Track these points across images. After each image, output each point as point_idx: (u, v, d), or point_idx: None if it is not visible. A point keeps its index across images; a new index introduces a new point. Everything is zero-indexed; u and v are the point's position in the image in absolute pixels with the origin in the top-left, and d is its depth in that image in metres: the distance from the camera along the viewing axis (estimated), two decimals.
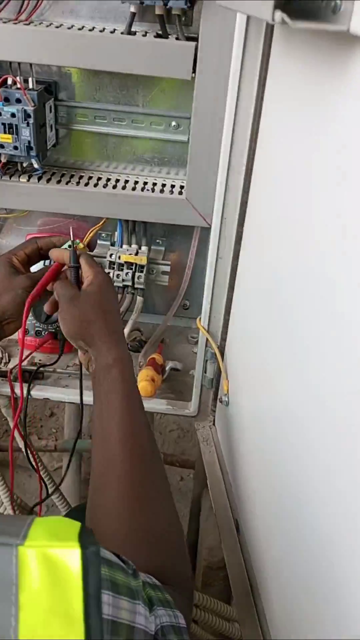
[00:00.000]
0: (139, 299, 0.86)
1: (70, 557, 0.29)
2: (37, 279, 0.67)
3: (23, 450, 0.85)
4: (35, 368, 0.85)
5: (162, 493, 0.54)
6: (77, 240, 0.71)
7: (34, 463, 0.86)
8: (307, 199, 0.47)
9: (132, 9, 0.69)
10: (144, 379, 0.81)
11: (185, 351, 0.94)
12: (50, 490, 0.95)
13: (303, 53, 0.47)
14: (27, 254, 0.69)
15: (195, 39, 0.70)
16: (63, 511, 1.04)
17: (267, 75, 0.57)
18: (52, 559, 0.28)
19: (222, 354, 0.76)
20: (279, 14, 0.34)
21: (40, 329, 0.88)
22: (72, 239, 0.69)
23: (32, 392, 0.84)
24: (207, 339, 0.76)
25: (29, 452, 0.85)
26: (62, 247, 0.70)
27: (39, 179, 0.80)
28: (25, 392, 0.82)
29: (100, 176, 0.83)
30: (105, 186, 0.81)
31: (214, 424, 0.83)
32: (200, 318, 0.76)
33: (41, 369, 0.86)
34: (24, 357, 0.89)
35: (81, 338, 0.59)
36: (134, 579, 0.35)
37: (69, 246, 0.69)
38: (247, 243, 0.66)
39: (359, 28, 0.34)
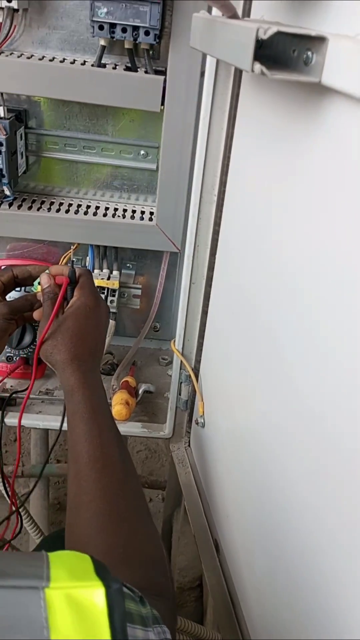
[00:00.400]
0: (112, 322, 0.87)
1: (96, 596, 0.30)
2: (14, 307, 0.67)
3: None
4: (8, 395, 0.84)
5: (138, 508, 0.55)
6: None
7: (9, 491, 0.85)
8: (277, 229, 0.50)
9: (102, 42, 0.71)
10: (118, 403, 0.82)
11: (156, 373, 0.95)
12: (23, 518, 0.94)
13: (272, 95, 0.50)
14: (3, 282, 0.69)
15: (163, 72, 0.73)
16: (35, 538, 1.02)
17: (237, 113, 0.59)
18: (79, 599, 0.30)
19: (197, 376, 0.78)
20: (257, 66, 0.37)
21: (12, 355, 0.87)
22: (71, 258, 0.70)
23: (5, 420, 0.83)
24: (181, 362, 0.77)
25: (4, 480, 0.84)
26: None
27: (10, 205, 0.81)
28: None
29: (70, 202, 0.84)
30: (76, 212, 0.82)
31: (189, 445, 0.84)
32: (174, 341, 0.78)
33: (14, 395, 0.85)
34: None
35: (46, 360, 0.60)
36: (143, 606, 0.36)
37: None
38: (220, 269, 0.69)
39: (330, 79, 0.37)
